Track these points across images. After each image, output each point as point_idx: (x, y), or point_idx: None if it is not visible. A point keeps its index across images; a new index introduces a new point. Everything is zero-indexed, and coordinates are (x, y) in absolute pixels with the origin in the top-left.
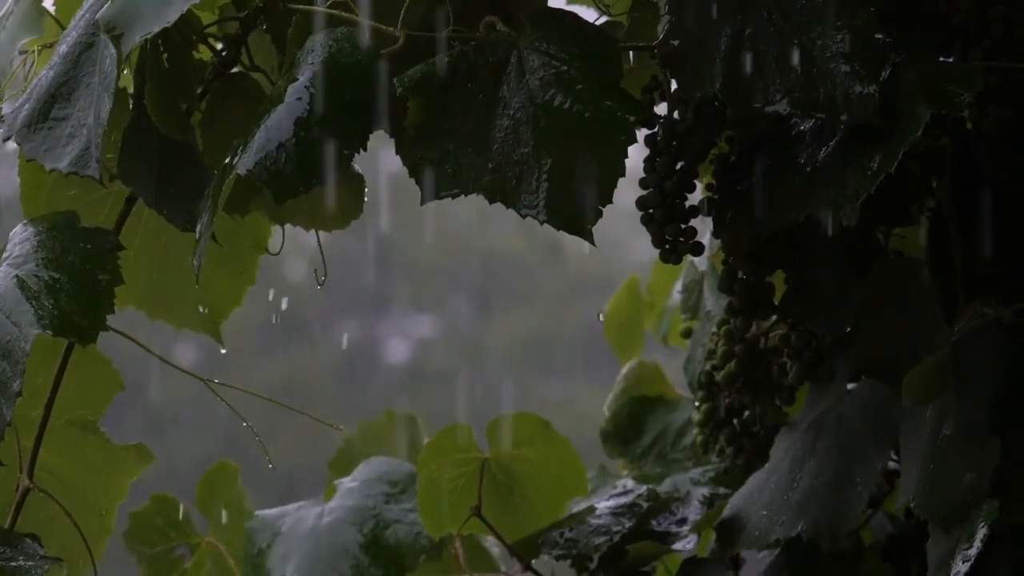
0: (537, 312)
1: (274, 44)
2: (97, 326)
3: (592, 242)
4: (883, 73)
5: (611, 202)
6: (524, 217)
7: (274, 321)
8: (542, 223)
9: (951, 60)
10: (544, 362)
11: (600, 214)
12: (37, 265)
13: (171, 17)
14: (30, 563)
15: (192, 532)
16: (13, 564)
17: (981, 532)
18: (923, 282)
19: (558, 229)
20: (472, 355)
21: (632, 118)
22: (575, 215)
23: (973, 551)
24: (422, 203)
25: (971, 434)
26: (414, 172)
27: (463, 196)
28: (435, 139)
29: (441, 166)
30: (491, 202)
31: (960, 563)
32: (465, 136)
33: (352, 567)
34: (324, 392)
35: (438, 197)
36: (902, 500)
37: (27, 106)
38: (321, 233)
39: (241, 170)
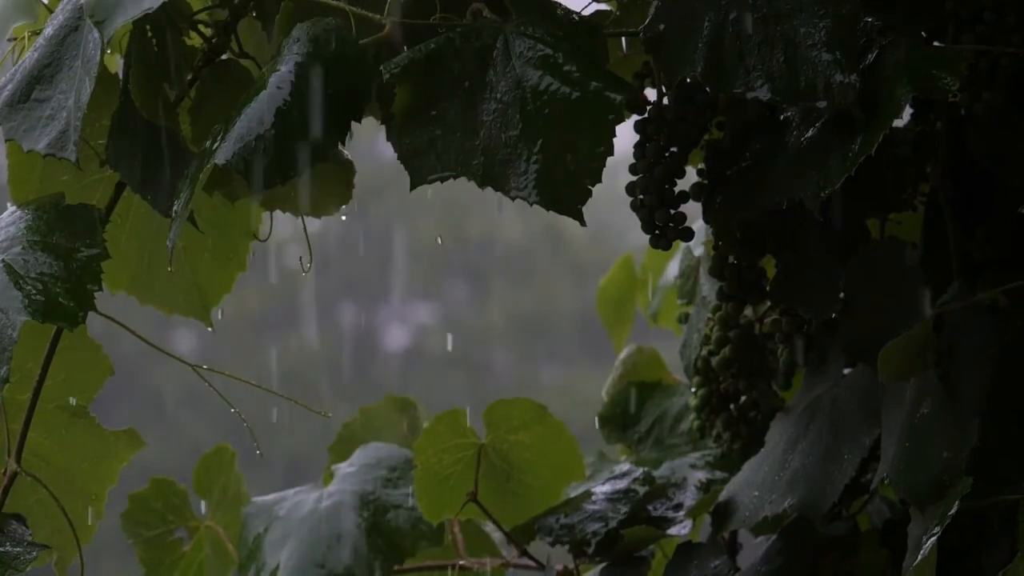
0: (535, 298)
1: (264, 31)
2: (84, 306)
3: (583, 221)
4: (868, 57)
5: (600, 181)
6: (514, 199)
7: (275, 309)
8: (532, 204)
9: (942, 45)
10: (542, 348)
11: (590, 193)
12: (23, 248)
13: (152, 4)
14: (17, 549)
15: (191, 515)
16: (1, 550)
17: (952, 510)
18: (907, 263)
19: (548, 209)
20: (470, 341)
21: (619, 97)
22: (565, 195)
23: (939, 529)
24: (411, 188)
25: (951, 414)
26: (403, 158)
27: (453, 181)
28: (422, 125)
29: (429, 151)
30: (481, 186)
31: (927, 541)
32: (452, 121)
33: (352, 551)
34: (324, 378)
35: (427, 182)
36: (877, 478)
37: (9, 86)
38: (321, 220)
39: (220, 160)
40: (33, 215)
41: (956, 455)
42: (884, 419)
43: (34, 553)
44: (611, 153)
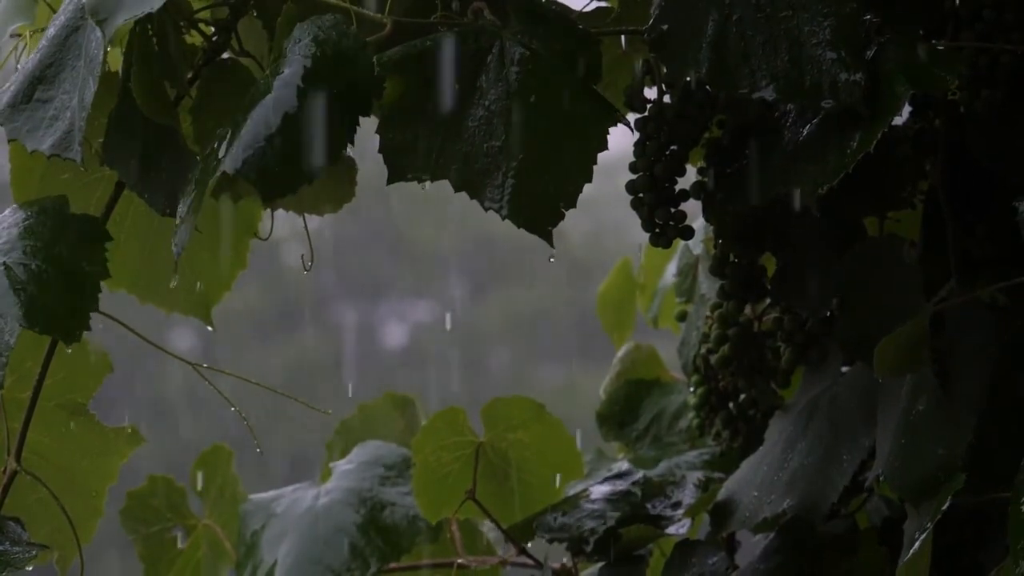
0: (534, 295)
1: (265, 30)
2: (81, 325)
3: (551, 243)
4: (867, 54)
5: (575, 206)
6: (487, 210)
7: (273, 307)
8: (503, 219)
9: (942, 43)
10: (541, 346)
11: (562, 216)
12: (24, 253)
13: (155, 4)
14: (17, 548)
15: (189, 513)
16: (0, 548)
17: (944, 506)
18: (903, 260)
19: (519, 227)
20: (469, 339)
21: (605, 125)
22: (537, 215)
23: (931, 525)
24: (388, 183)
25: (949, 411)
26: (384, 152)
27: (429, 182)
28: (408, 121)
29: (411, 148)
30: (456, 190)
31: (919, 537)
32: (438, 122)
33: (349, 548)
34: (322, 377)
35: (406, 179)
36: (871, 476)
37: (12, 87)
38: (319, 218)
39: (229, 168)
40: (36, 220)
41: (951, 452)
42: (880, 416)
43: (33, 552)
44: (589, 180)
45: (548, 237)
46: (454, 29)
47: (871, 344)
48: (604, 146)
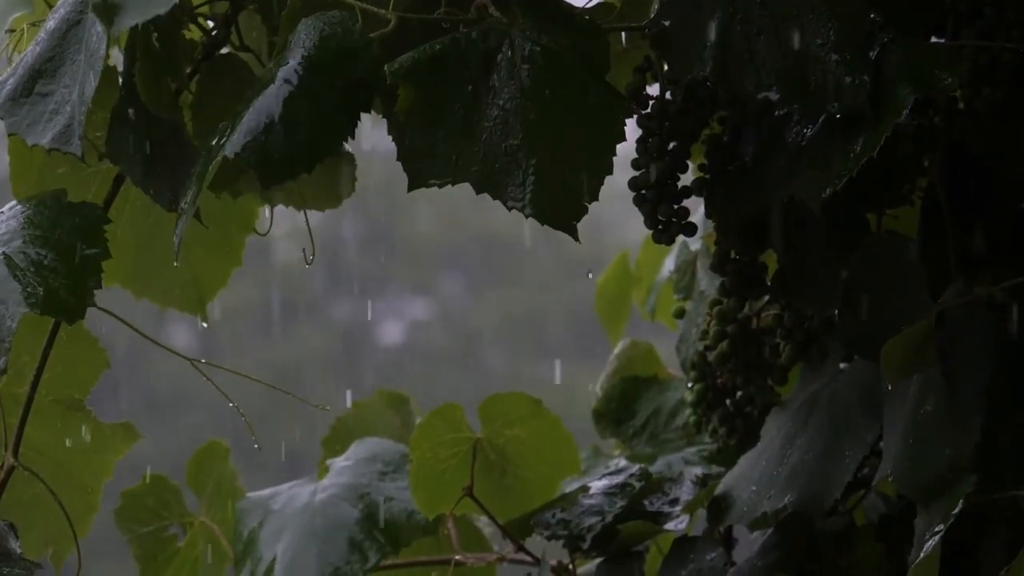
0: (530, 293)
1: (264, 24)
2: (84, 302)
3: (576, 238)
4: (870, 55)
5: (597, 199)
6: (510, 209)
7: (270, 303)
8: (527, 217)
9: (943, 41)
10: (537, 342)
11: (586, 210)
12: (24, 242)
13: (163, 8)
14: (9, 569)
15: (185, 512)
16: None
17: (957, 508)
18: (909, 259)
19: (543, 224)
20: (465, 336)
21: (622, 115)
22: (561, 211)
23: (942, 527)
24: (409, 189)
25: (953, 411)
26: (403, 158)
27: (451, 185)
28: (424, 127)
29: (429, 154)
30: (478, 192)
31: (929, 538)
32: (454, 125)
33: (347, 542)
34: (319, 373)
35: (425, 185)
36: (879, 475)
37: (11, 81)
38: (316, 215)
39: (229, 152)
40: (35, 210)
41: (959, 452)
42: (887, 416)
43: (30, 572)
44: (610, 172)
45: (573, 232)
46: (463, 30)
47: (875, 342)
48: (622, 136)
